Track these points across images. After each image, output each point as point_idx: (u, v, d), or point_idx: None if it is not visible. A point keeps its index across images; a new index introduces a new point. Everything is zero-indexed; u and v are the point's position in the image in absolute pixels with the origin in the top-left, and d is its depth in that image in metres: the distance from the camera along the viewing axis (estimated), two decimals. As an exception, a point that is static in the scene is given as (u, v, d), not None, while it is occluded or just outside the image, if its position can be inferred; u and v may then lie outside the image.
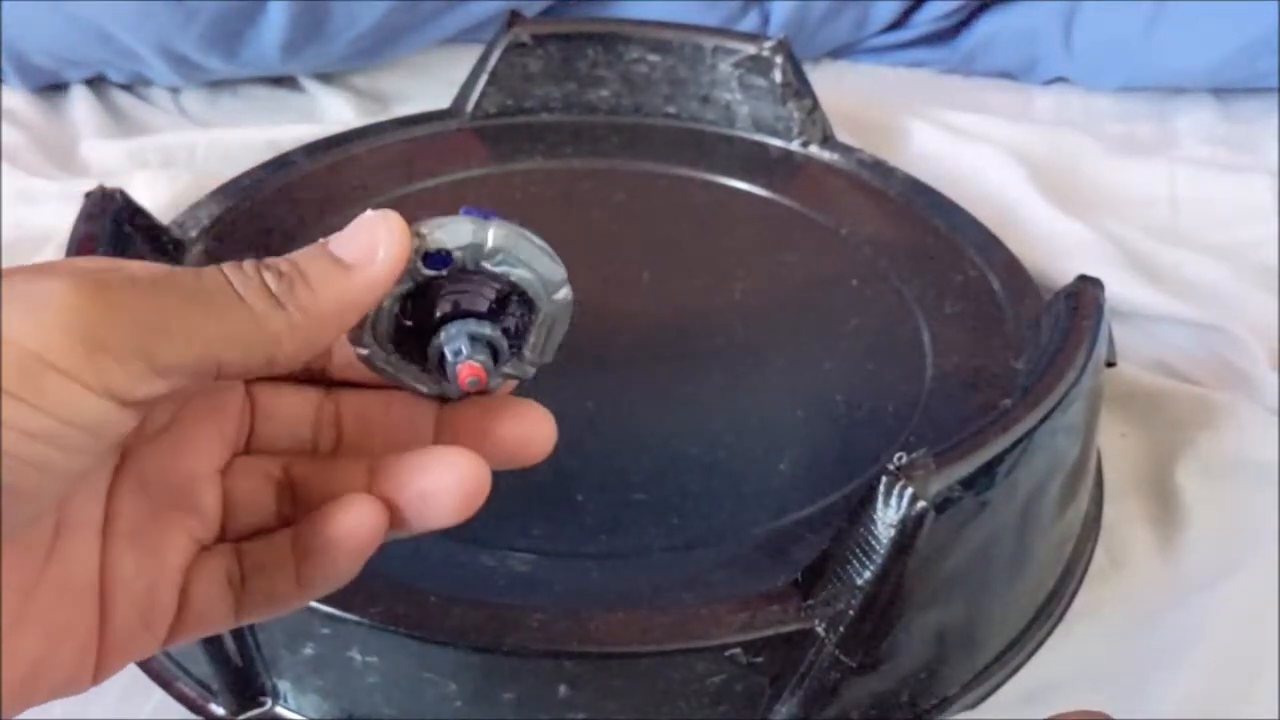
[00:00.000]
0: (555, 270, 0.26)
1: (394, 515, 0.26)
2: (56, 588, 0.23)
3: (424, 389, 0.27)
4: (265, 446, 0.28)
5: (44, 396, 0.20)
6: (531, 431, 0.27)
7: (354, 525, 0.26)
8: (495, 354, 0.26)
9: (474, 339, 0.26)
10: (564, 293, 0.27)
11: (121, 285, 0.22)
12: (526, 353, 0.27)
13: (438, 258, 0.25)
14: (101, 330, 0.21)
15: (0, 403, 0.20)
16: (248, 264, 0.24)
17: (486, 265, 0.26)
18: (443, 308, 0.26)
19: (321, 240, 0.25)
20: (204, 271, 0.23)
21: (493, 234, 0.26)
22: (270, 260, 0.24)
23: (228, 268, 0.24)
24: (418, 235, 0.25)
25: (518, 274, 0.26)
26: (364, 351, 0.27)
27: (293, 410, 0.28)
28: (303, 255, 0.25)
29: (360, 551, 0.26)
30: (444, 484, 0.26)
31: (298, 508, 0.27)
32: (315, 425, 0.28)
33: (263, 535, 0.27)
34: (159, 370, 0.22)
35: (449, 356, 0.26)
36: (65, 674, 0.24)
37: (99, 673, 0.25)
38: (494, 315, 0.26)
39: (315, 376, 0.29)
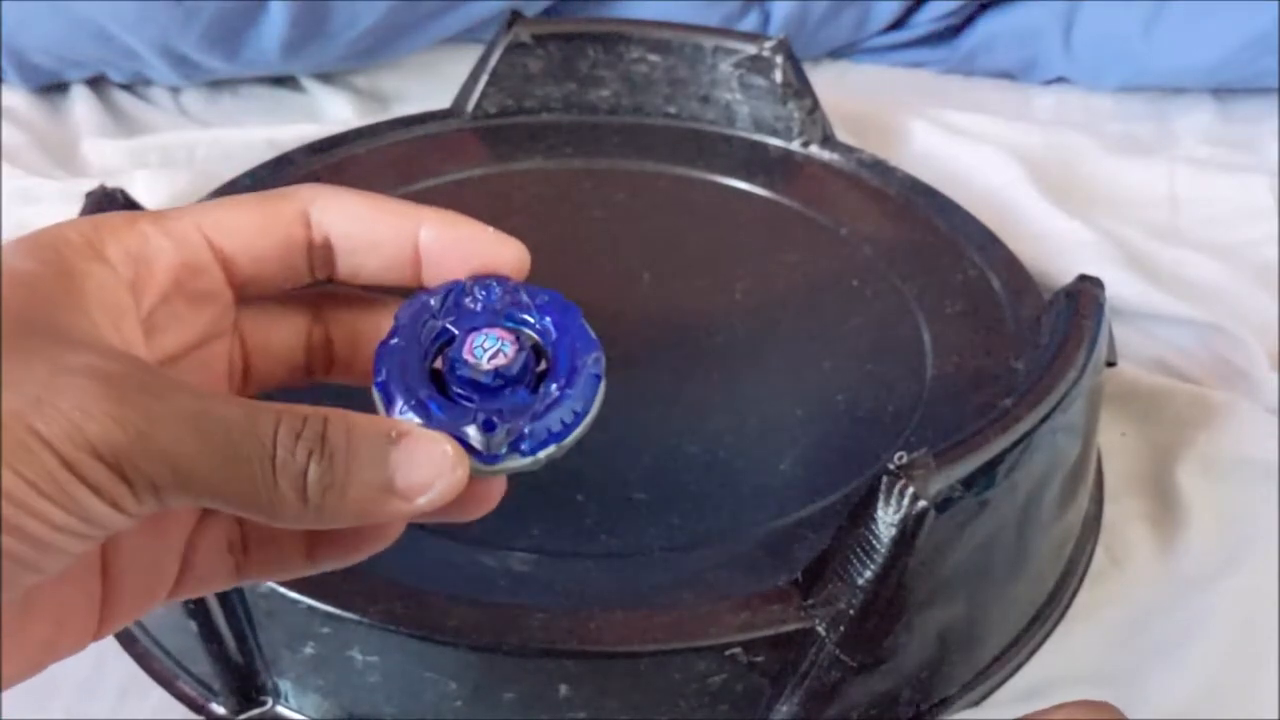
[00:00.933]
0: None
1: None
2: (59, 577, 0.24)
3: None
4: (264, 383, 0.28)
5: (69, 499, 0.21)
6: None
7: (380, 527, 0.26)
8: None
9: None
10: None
11: (163, 421, 0.21)
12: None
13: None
14: (125, 466, 0.21)
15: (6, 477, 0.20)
16: (306, 438, 0.23)
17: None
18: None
19: (396, 432, 0.24)
20: (257, 422, 0.22)
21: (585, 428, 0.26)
22: (333, 434, 0.23)
23: (284, 431, 0.22)
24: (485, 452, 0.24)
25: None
26: None
27: (284, 343, 0.28)
28: (367, 445, 0.23)
29: (380, 544, 0.26)
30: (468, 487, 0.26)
31: None
32: (307, 350, 0.28)
33: None
34: (164, 502, 0.22)
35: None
36: (70, 645, 0.24)
37: (100, 634, 0.25)
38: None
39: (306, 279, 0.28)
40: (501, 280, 0.27)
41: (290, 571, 0.27)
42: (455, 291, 0.26)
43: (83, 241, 0.25)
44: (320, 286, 0.28)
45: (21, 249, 0.24)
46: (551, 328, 0.26)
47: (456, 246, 0.27)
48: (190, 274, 0.26)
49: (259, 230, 0.26)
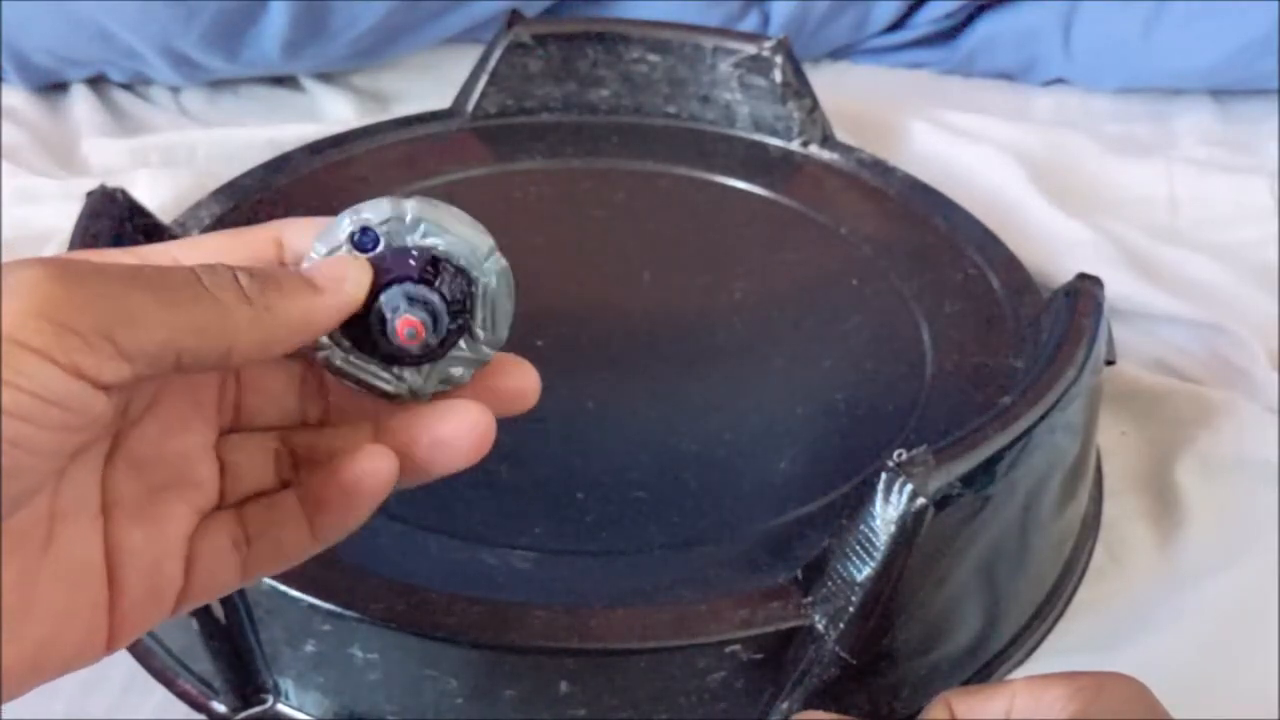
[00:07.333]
0: (481, 239, 0.28)
1: (407, 464, 0.28)
2: (57, 574, 0.24)
3: (387, 386, 0.28)
4: (254, 421, 0.29)
5: (18, 374, 0.21)
6: (520, 383, 0.29)
7: (369, 470, 0.27)
8: (434, 316, 0.27)
9: (410, 299, 0.27)
10: (494, 260, 0.28)
11: (92, 272, 0.23)
12: (477, 330, 0.28)
13: (365, 238, 0.27)
14: (69, 311, 0.22)
15: None
16: (222, 266, 0.25)
17: (412, 239, 0.27)
18: (379, 280, 0.27)
19: (293, 268, 0.27)
20: (173, 268, 0.24)
21: (410, 206, 0.27)
22: (246, 266, 0.25)
23: (198, 266, 0.25)
24: (342, 219, 0.27)
25: (446, 241, 0.27)
26: (323, 353, 0.28)
27: (277, 382, 0.29)
28: (278, 270, 0.26)
29: (375, 496, 0.27)
30: (457, 430, 0.28)
31: (300, 471, 0.29)
32: (301, 396, 0.29)
33: (264, 497, 0.28)
34: (124, 354, 0.22)
35: (388, 315, 0.27)
36: (73, 651, 0.25)
37: (112, 644, 0.25)
38: (427, 281, 0.28)
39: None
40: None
41: (296, 553, 0.28)
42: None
43: (46, 258, 0.26)
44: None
45: None
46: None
47: None
48: None
49: (228, 251, 0.28)
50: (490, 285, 0.28)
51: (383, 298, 0.27)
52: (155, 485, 0.26)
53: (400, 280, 0.27)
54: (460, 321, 0.28)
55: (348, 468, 0.27)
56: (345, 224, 0.27)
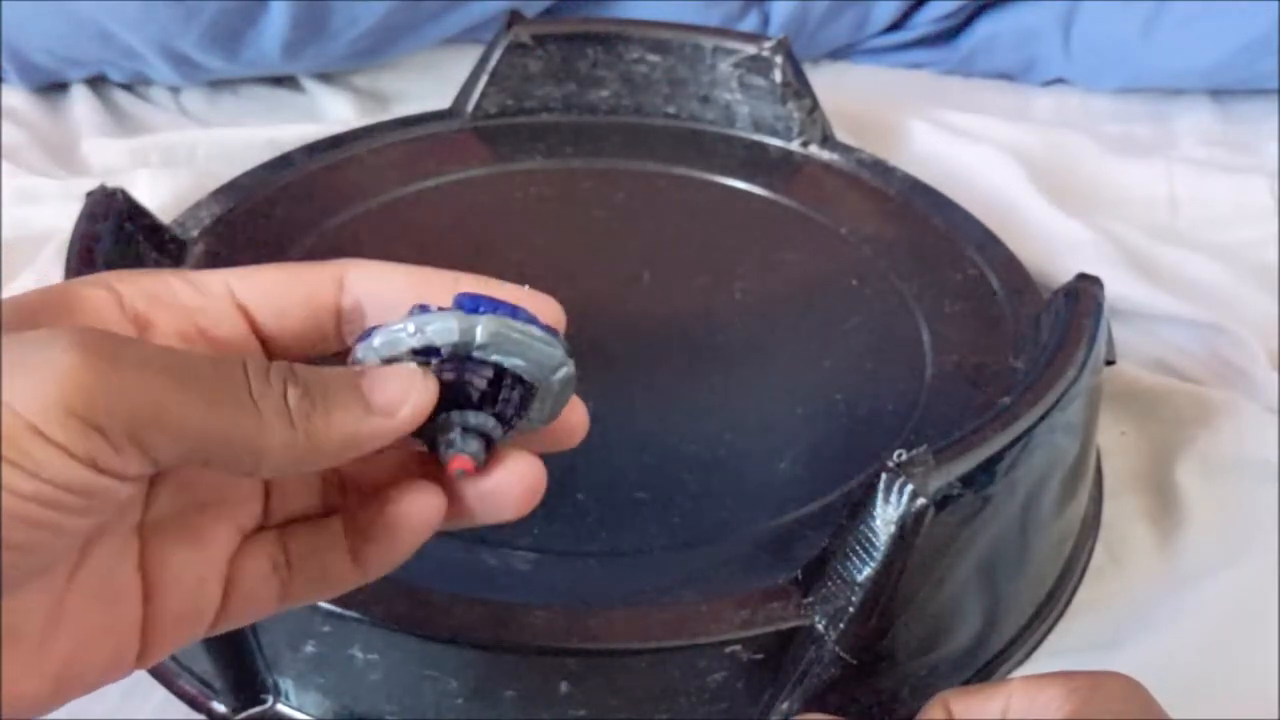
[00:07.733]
0: (551, 354, 0.26)
1: (453, 508, 0.27)
2: (88, 593, 0.24)
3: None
4: None
5: (38, 464, 0.20)
6: (570, 419, 0.28)
7: (416, 507, 0.27)
8: (488, 442, 0.27)
9: (465, 430, 0.26)
10: (563, 372, 0.27)
11: (131, 365, 0.22)
12: (532, 415, 0.27)
13: (427, 352, 0.26)
14: (97, 407, 0.21)
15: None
16: (276, 369, 0.24)
17: (480, 354, 0.26)
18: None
19: (358, 369, 0.25)
20: (226, 363, 0.23)
21: (480, 330, 0.25)
22: (301, 370, 0.24)
23: (253, 367, 0.23)
24: (405, 330, 0.25)
25: (511, 362, 0.26)
26: None
27: None
28: (335, 378, 0.25)
29: (420, 532, 0.27)
30: (503, 483, 0.27)
31: (348, 496, 0.28)
32: None
33: (309, 520, 0.28)
34: (149, 456, 0.22)
35: (441, 448, 0.26)
36: (101, 669, 0.24)
37: (143, 660, 0.25)
38: (487, 400, 0.26)
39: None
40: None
41: (339, 584, 0.27)
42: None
43: (96, 280, 0.25)
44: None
45: (39, 289, 0.25)
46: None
47: None
48: (211, 321, 0.26)
49: (285, 286, 0.27)
50: (553, 390, 0.27)
51: (439, 421, 0.26)
52: (198, 503, 0.26)
53: (459, 404, 0.26)
54: (516, 421, 0.27)
55: (394, 502, 0.26)
56: (410, 333, 0.25)
